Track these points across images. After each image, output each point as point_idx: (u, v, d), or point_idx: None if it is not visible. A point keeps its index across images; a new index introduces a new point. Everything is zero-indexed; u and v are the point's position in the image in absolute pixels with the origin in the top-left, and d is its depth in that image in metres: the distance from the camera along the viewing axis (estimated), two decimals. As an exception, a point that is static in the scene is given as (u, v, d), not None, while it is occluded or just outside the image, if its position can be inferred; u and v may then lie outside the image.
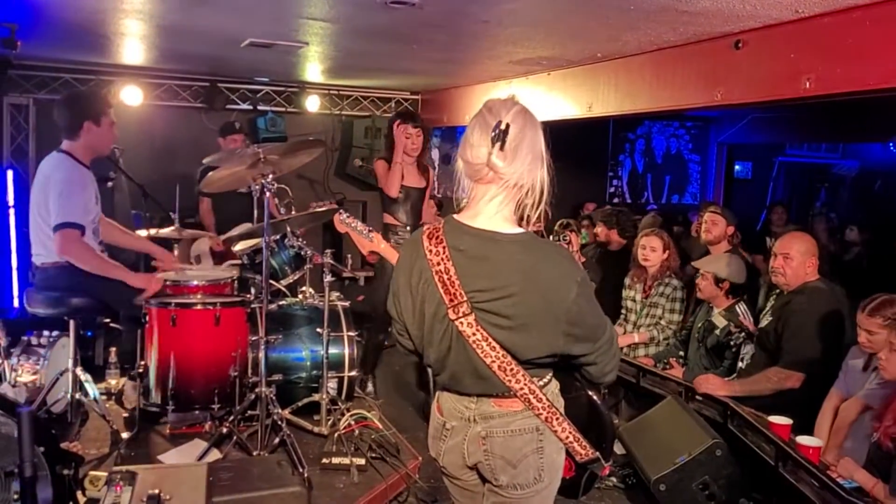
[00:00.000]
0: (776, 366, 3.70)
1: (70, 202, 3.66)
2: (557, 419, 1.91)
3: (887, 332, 3.18)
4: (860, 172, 10.50)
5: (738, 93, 3.81)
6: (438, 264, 1.84)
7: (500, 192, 1.83)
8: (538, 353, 1.85)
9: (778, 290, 3.99)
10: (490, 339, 1.81)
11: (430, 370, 2.03)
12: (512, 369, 1.84)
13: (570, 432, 1.93)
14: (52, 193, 3.66)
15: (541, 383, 1.91)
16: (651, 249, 4.90)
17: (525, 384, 1.85)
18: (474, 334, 1.81)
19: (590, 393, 2.06)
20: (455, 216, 1.91)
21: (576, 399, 2.04)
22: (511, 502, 1.97)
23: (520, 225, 1.88)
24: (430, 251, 1.86)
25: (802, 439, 3.21)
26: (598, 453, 1.99)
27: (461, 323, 1.82)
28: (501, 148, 1.77)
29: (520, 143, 1.79)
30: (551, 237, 4.97)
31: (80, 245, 3.66)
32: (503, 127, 1.77)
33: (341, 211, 2.70)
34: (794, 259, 3.77)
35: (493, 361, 1.83)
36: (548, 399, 1.89)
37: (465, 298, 1.81)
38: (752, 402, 3.67)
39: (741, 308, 4.38)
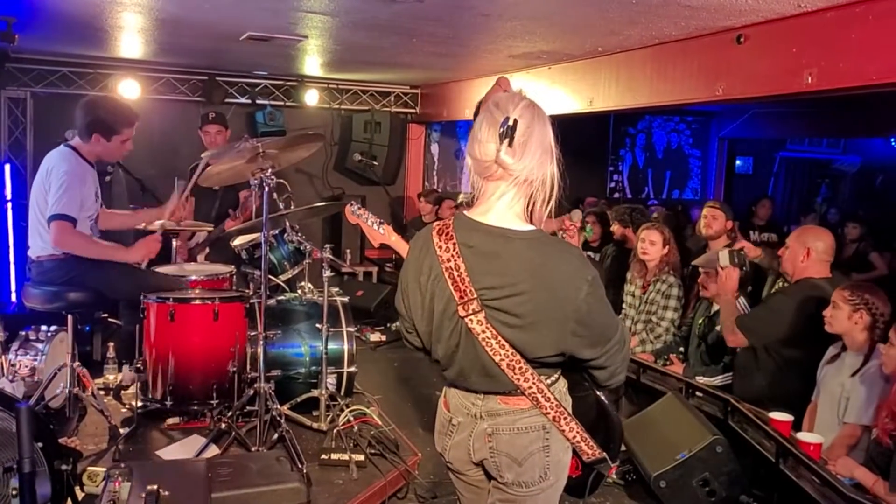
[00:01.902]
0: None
1: (68, 195, 3.66)
2: (565, 418, 1.89)
3: (849, 310, 3.26)
4: (861, 168, 10.50)
5: (740, 88, 3.80)
6: (448, 261, 1.82)
7: (511, 189, 1.81)
8: (546, 351, 1.83)
9: (781, 283, 4.02)
10: (499, 337, 1.80)
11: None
12: (521, 368, 1.82)
13: (577, 432, 1.91)
14: (53, 185, 3.68)
15: (548, 382, 1.89)
16: (650, 243, 4.88)
17: (533, 383, 1.84)
18: (483, 332, 1.80)
19: (598, 393, 2.04)
20: (465, 212, 1.89)
21: (584, 398, 2.02)
22: (516, 500, 1.96)
23: (531, 222, 1.86)
24: (441, 247, 1.84)
25: (803, 436, 3.21)
26: (605, 453, 1.97)
27: (471, 320, 1.80)
28: (510, 144, 1.74)
29: (528, 139, 1.77)
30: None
31: (74, 234, 3.67)
32: (511, 123, 1.74)
33: (353, 202, 2.70)
34: (791, 248, 3.83)
35: (502, 360, 1.81)
36: (556, 398, 1.88)
37: (475, 296, 1.79)
38: (749, 399, 3.68)
39: (742, 302, 4.36)
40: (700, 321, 4.51)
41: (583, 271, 1.80)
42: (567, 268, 1.79)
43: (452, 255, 1.82)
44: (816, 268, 3.76)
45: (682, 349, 4.71)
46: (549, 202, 1.83)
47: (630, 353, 2.00)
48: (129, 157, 5.47)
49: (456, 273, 1.81)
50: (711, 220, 4.98)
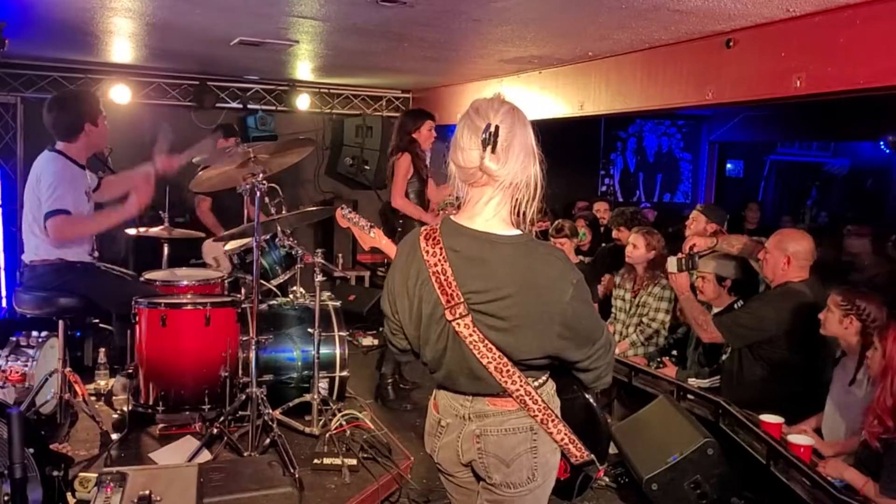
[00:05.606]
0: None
1: (61, 190, 3.68)
2: (553, 420, 1.91)
3: (840, 315, 3.29)
4: (851, 170, 10.56)
5: (729, 92, 3.82)
6: (435, 265, 1.83)
7: (497, 194, 1.83)
8: (532, 354, 1.84)
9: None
10: (486, 341, 1.81)
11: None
12: (508, 370, 1.83)
13: (565, 434, 1.93)
14: (44, 186, 3.69)
15: (536, 384, 1.90)
16: (633, 246, 4.92)
17: (521, 385, 1.85)
18: (470, 335, 1.81)
19: (586, 395, 2.06)
20: (452, 217, 1.91)
21: (572, 401, 2.04)
22: (504, 500, 1.97)
23: (519, 226, 1.87)
24: (427, 252, 1.85)
25: (794, 438, 3.22)
26: (593, 456, 1.98)
27: (458, 324, 1.81)
28: (493, 150, 1.76)
29: (511, 143, 1.78)
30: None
31: (72, 222, 3.69)
32: (493, 129, 1.76)
33: (343, 206, 2.71)
34: (771, 253, 3.84)
35: (490, 362, 1.82)
36: (543, 400, 1.89)
37: (461, 300, 1.80)
38: (737, 402, 3.69)
39: (738, 307, 4.37)
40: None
41: (568, 274, 1.82)
42: (552, 271, 1.80)
43: (439, 260, 1.83)
44: (796, 272, 3.78)
45: (674, 352, 4.72)
46: (532, 203, 1.85)
47: (619, 357, 2.01)
48: (120, 162, 5.46)
49: (442, 277, 1.82)
50: (691, 222, 5.07)
